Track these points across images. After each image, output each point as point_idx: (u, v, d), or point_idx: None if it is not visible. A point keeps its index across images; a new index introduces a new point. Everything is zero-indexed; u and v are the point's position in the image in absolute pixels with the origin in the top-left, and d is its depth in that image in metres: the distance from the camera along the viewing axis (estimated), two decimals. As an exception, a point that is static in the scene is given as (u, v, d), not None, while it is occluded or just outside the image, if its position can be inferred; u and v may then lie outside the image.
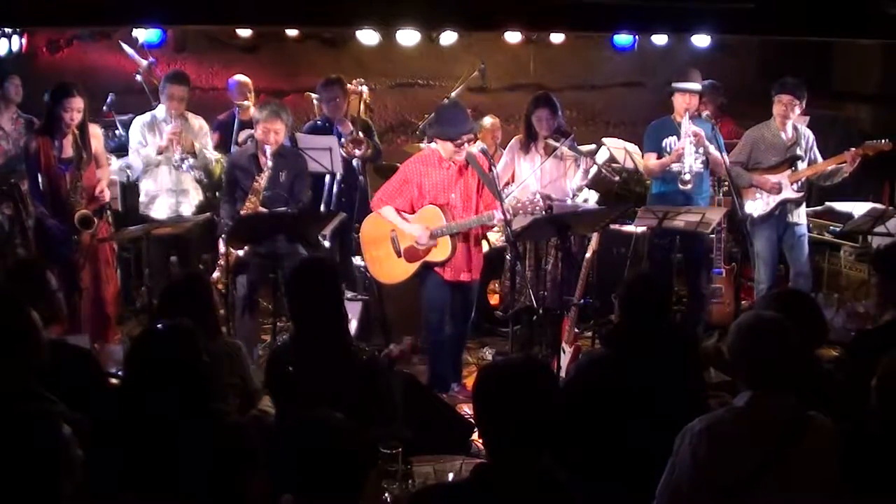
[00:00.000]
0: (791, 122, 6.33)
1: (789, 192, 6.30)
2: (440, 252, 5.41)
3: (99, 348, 5.70)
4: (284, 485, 2.37)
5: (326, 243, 6.48)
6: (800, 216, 6.43)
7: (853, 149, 6.21)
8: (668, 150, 6.21)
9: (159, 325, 2.97)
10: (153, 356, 2.81)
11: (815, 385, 3.11)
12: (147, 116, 6.37)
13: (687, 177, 6.13)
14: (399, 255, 5.48)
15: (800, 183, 6.32)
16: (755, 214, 6.32)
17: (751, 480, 2.71)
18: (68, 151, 5.71)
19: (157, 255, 6.25)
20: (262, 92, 7.57)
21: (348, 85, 6.80)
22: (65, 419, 2.58)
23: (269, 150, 5.63)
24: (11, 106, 6.46)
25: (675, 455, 2.83)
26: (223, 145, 6.86)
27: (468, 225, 5.39)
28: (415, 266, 5.46)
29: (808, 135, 6.45)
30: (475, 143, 5.49)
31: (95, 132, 5.96)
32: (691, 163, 6.15)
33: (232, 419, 3.02)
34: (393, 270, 5.54)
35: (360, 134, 6.63)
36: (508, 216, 5.22)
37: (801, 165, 6.34)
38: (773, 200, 6.31)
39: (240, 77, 7.32)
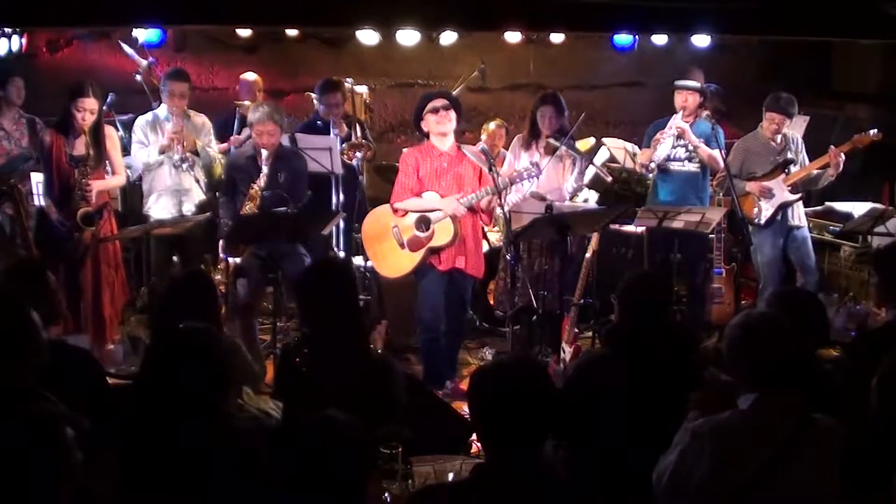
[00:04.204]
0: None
1: (786, 196, 6.31)
2: (442, 236, 5.42)
3: (99, 349, 5.70)
4: (287, 485, 2.36)
5: (341, 253, 6.51)
6: (800, 218, 6.46)
7: (833, 147, 6.21)
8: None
9: (184, 326, 2.95)
10: (180, 357, 2.79)
11: (816, 386, 3.11)
12: (149, 115, 6.39)
13: (651, 165, 6.25)
14: (403, 247, 5.50)
15: (793, 185, 6.34)
16: (758, 222, 6.34)
17: (755, 482, 2.71)
18: (80, 149, 5.74)
19: (160, 254, 6.26)
20: (261, 92, 7.58)
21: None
22: (65, 420, 2.58)
23: (265, 153, 5.65)
24: (13, 106, 6.46)
25: (679, 451, 2.82)
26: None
27: (470, 200, 5.41)
28: (420, 255, 5.47)
29: (797, 138, 6.49)
30: (452, 117, 5.51)
31: (110, 134, 5.97)
32: (664, 152, 6.22)
33: (238, 421, 3.02)
34: (398, 263, 5.54)
35: (360, 138, 6.65)
36: (504, 197, 5.39)
37: (794, 169, 6.36)
38: (773, 206, 6.32)
39: (248, 76, 7.37)
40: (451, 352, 5.72)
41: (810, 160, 6.42)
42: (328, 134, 6.58)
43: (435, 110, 5.45)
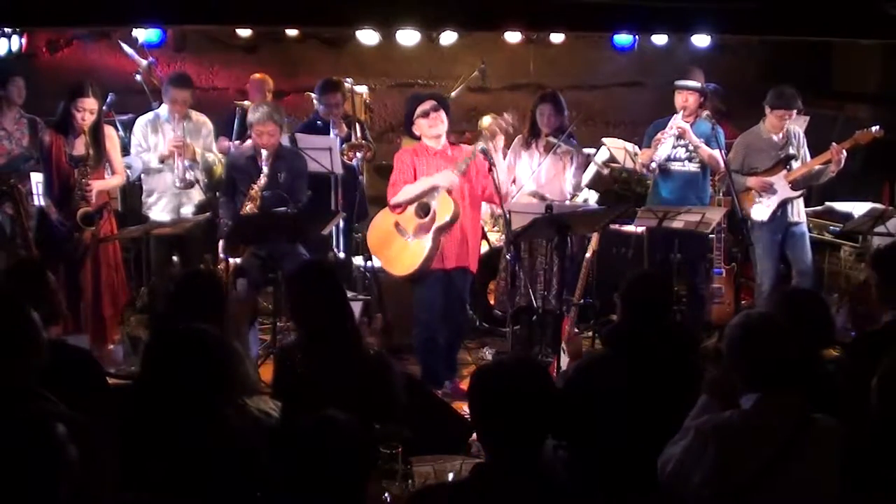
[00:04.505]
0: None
1: (787, 192, 6.32)
2: (444, 213, 5.37)
3: (99, 349, 5.70)
4: (287, 485, 2.36)
5: (341, 254, 6.49)
6: (800, 215, 6.46)
7: (835, 144, 6.22)
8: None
9: (183, 326, 2.95)
10: (179, 357, 2.78)
11: (819, 386, 3.11)
12: (150, 115, 6.41)
13: (653, 165, 6.25)
14: (410, 238, 5.44)
15: (794, 181, 6.34)
16: (758, 218, 6.34)
17: (755, 482, 2.71)
18: (80, 149, 5.74)
19: (160, 254, 6.27)
20: (271, 92, 7.59)
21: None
22: (62, 419, 2.57)
23: (265, 153, 5.64)
24: (14, 106, 6.47)
25: (682, 449, 2.82)
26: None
27: (461, 168, 5.36)
28: (430, 238, 5.38)
29: (799, 133, 6.48)
30: (443, 118, 5.47)
31: (110, 134, 5.97)
32: (665, 152, 6.22)
33: (238, 421, 3.01)
34: (411, 256, 5.44)
35: (360, 138, 6.65)
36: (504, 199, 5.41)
37: (796, 164, 6.37)
38: (774, 202, 6.32)
39: (257, 76, 7.42)
40: (450, 352, 5.71)
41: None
42: (328, 134, 6.59)
43: (425, 114, 5.43)
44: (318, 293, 3.67)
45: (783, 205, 6.34)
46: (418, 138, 5.56)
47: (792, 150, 6.38)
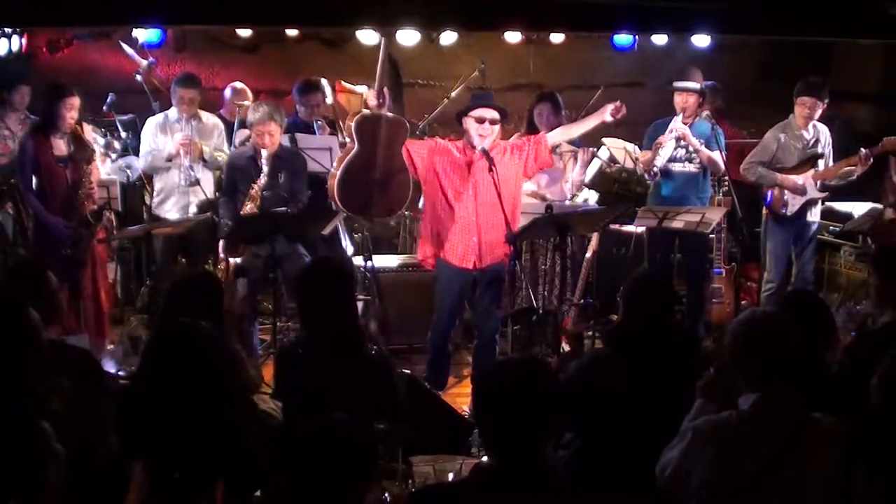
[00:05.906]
0: (813, 121, 6.37)
1: (815, 192, 6.32)
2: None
3: (99, 349, 5.70)
4: (287, 485, 2.37)
5: (350, 248, 6.49)
6: (816, 215, 6.47)
7: (863, 150, 6.22)
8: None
9: (183, 323, 2.95)
10: (179, 354, 2.79)
11: (819, 386, 3.11)
12: (160, 117, 6.44)
13: (655, 169, 6.20)
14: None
15: (821, 182, 6.34)
16: (780, 214, 6.33)
17: (755, 481, 2.71)
18: (63, 150, 5.72)
19: (165, 254, 6.28)
20: (261, 92, 7.58)
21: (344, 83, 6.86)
22: (54, 417, 2.57)
23: (265, 153, 5.64)
24: (17, 110, 6.49)
25: (681, 450, 2.82)
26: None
27: None
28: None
29: (826, 133, 6.47)
30: (495, 131, 5.30)
31: (87, 130, 5.97)
32: (666, 156, 6.19)
33: (238, 421, 3.02)
34: None
35: (347, 136, 6.66)
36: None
37: (822, 164, 6.37)
38: (800, 201, 6.32)
39: (236, 84, 7.37)
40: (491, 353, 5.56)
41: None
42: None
43: (481, 120, 5.25)
44: (333, 292, 3.65)
45: (806, 204, 6.35)
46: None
47: (820, 149, 6.38)
